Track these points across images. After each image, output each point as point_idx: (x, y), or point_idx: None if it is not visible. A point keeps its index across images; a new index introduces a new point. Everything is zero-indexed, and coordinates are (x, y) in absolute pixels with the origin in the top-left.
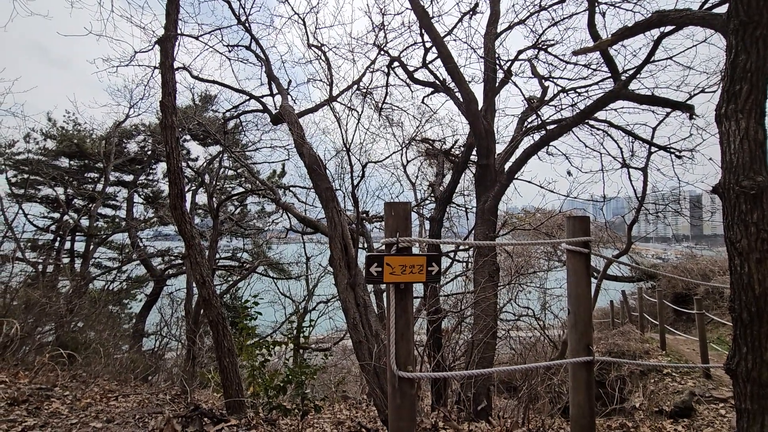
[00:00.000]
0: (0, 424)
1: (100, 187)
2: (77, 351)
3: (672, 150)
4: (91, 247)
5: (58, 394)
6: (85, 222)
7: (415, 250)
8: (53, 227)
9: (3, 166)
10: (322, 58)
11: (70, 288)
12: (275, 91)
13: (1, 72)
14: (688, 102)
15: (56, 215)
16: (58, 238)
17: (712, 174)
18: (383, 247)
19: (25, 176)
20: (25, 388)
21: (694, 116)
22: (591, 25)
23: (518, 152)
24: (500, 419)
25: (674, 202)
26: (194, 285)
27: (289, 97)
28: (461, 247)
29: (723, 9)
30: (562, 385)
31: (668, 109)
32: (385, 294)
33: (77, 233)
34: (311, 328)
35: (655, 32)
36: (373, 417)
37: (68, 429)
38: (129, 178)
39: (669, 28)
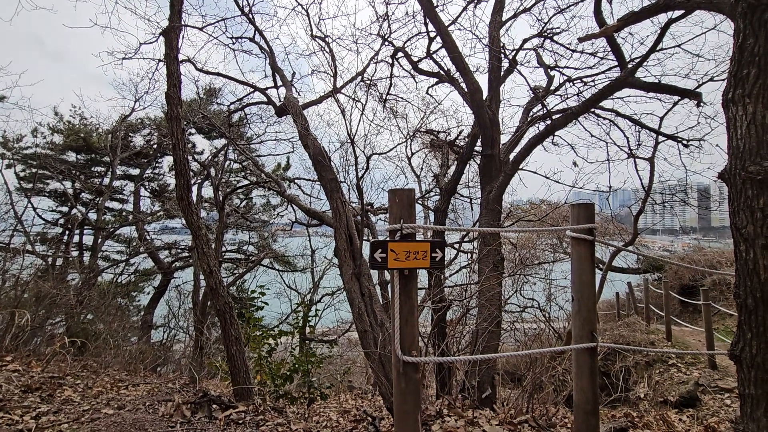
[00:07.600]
0: (15, 409)
1: (107, 180)
2: (87, 342)
3: (679, 139)
4: (99, 240)
5: (70, 382)
6: (92, 215)
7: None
8: (62, 221)
9: (11, 161)
10: (326, 49)
11: (80, 280)
12: (279, 83)
13: (7, 65)
14: (697, 91)
15: (64, 209)
16: (67, 232)
17: (720, 163)
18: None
19: (34, 170)
20: (37, 377)
21: (701, 103)
22: (597, 12)
23: (523, 142)
24: (504, 407)
25: (681, 191)
26: (201, 276)
27: (293, 88)
28: (466, 239)
29: None
30: (566, 375)
31: (676, 98)
32: (390, 281)
33: (85, 227)
34: (317, 318)
35: (663, 18)
36: (378, 406)
37: (80, 415)
38: (135, 171)
39: (677, 13)
